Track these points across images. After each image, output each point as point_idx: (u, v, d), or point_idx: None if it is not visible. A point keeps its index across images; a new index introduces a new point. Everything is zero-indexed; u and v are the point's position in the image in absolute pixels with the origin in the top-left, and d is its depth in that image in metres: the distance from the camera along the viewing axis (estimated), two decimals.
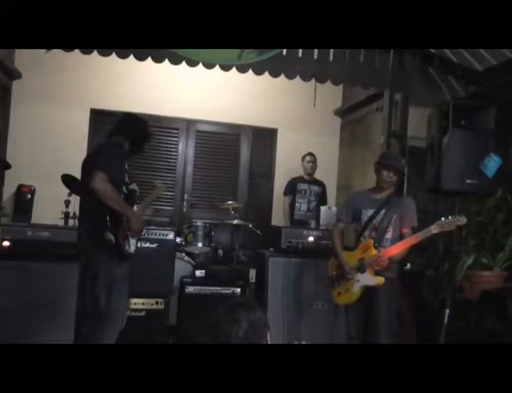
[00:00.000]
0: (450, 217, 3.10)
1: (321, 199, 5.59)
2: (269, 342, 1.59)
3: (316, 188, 5.62)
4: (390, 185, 3.36)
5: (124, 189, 2.94)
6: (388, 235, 3.29)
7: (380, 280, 3.18)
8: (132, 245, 2.92)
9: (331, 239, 3.55)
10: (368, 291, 3.24)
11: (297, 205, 5.59)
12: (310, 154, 5.61)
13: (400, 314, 3.72)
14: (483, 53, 3.95)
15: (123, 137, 3.02)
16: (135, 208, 3.04)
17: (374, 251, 3.20)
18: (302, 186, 5.60)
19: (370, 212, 3.33)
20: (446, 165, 3.59)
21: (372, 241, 3.23)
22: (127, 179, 2.96)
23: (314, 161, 5.60)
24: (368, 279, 3.22)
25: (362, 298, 3.27)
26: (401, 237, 3.29)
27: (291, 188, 5.64)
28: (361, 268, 3.23)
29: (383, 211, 3.30)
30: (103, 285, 2.84)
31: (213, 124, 6.25)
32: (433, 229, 3.10)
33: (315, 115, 6.04)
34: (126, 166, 2.97)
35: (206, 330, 1.56)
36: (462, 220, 3.10)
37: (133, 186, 3.05)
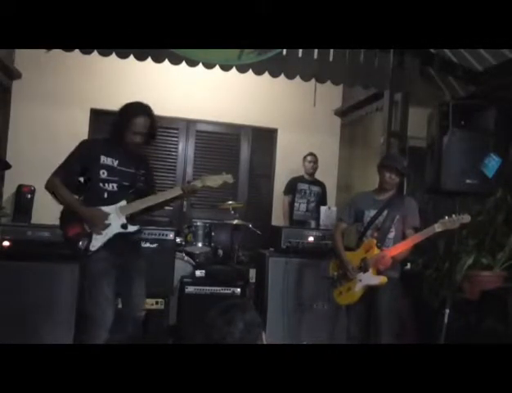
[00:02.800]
0: (454, 215, 3.10)
1: (321, 199, 5.58)
2: (264, 343, 1.59)
3: (316, 189, 5.62)
4: (392, 186, 3.36)
5: (108, 185, 2.89)
6: (391, 235, 3.29)
7: (383, 279, 3.17)
8: (95, 241, 2.82)
9: (333, 239, 3.55)
10: (370, 290, 3.24)
11: (296, 205, 5.59)
12: (311, 154, 5.61)
13: (400, 314, 3.72)
14: (483, 53, 3.95)
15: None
16: (121, 203, 2.94)
17: (376, 251, 3.20)
18: (302, 186, 5.60)
19: (373, 213, 3.33)
20: (446, 165, 3.59)
21: (375, 241, 3.23)
22: (104, 175, 2.87)
23: (315, 161, 5.60)
24: (371, 279, 3.21)
25: (364, 297, 3.26)
26: (403, 238, 3.29)
27: (291, 188, 5.64)
28: (363, 268, 3.23)
29: (385, 212, 3.30)
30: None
31: (213, 124, 6.25)
32: (437, 228, 3.09)
33: (315, 115, 6.04)
34: (104, 161, 2.88)
35: (202, 330, 1.57)
36: (466, 218, 3.10)
37: (127, 182, 2.96)
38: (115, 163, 2.93)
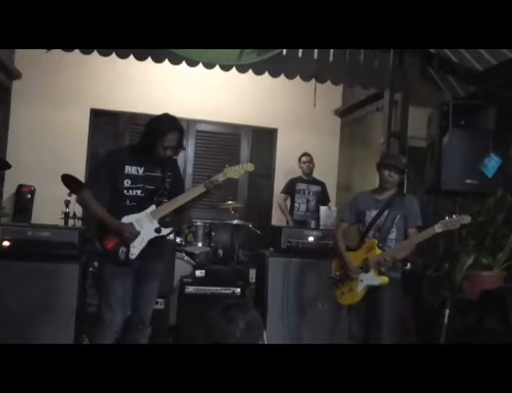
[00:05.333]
0: (454, 216, 3.09)
1: (321, 198, 5.58)
2: (265, 342, 1.59)
3: (315, 188, 5.61)
4: (393, 185, 3.35)
5: (131, 192, 2.92)
6: (392, 235, 3.28)
7: (385, 279, 3.17)
8: (133, 248, 2.87)
9: (334, 239, 3.54)
10: (371, 290, 3.24)
11: (296, 205, 5.59)
12: (305, 154, 5.60)
13: (401, 314, 3.72)
14: (483, 53, 3.94)
15: (137, 141, 3.06)
16: (151, 208, 2.96)
17: (378, 251, 3.19)
18: (301, 186, 5.60)
19: (374, 213, 3.32)
20: (446, 165, 3.59)
21: (376, 241, 3.22)
22: (128, 184, 2.90)
23: (310, 161, 5.59)
24: (372, 279, 3.21)
25: (365, 298, 3.26)
26: (405, 237, 3.29)
27: (290, 188, 5.64)
28: (365, 268, 3.23)
29: (386, 212, 3.29)
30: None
31: (213, 124, 6.26)
32: (437, 228, 3.08)
33: (315, 115, 6.04)
34: (128, 171, 2.92)
35: (202, 330, 1.57)
36: (466, 219, 3.09)
37: (153, 186, 2.98)
38: (140, 171, 2.95)
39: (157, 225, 2.93)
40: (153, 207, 2.93)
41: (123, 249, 2.86)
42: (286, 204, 5.69)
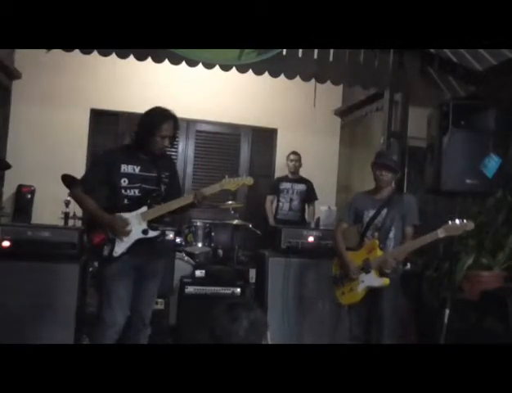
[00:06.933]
0: (457, 221, 3.04)
1: (306, 197, 5.56)
2: (269, 342, 1.59)
3: (299, 187, 5.59)
4: (387, 183, 3.35)
5: (129, 191, 2.92)
6: (391, 234, 3.28)
7: (385, 281, 3.15)
8: (118, 247, 2.87)
9: (333, 239, 3.54)
10: (372, 290, 3.23)
11: (279, 204, 5.59)
12: (294, 153, 5.60)
13: (401, 314, 3.72)
14: (483, 53, 3.94)
15: (130, 140, 3.06)
16: (142, 209, 2.96)
17: (379, 252, 3.18)
18: (284, 185, 5.60)
19: (372, 212, 3.32)
20: (446, 165, 3.59)
21: (377, 242, 3.21)
22: (125, 183, 2.92)
23: (298, 160, 5.58)
24: (373, 280, 3.20)
25: (365, 297, 3.26)
26: (403, 236, 3.28)
27: (274, 188, 5.65)
28: (365, 269, 3.22)
29: (384, 211, 3.28)
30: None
31: (213, 124, 6.26)
32: (440, 233, 3.04)
33: (315, 115, 6.04)
34: (124, 169, 2.92)
35: (206, 329, 1.57)
36: (470, 226, 3.04)
37: (149, 186, 2.98)
38: (137, 169, 2.96)
39: (145, 227, 2.93)
40: (144, 208, 2.94)
41: (107, 245, 2.87)
42: (272, 206, 5.68)
